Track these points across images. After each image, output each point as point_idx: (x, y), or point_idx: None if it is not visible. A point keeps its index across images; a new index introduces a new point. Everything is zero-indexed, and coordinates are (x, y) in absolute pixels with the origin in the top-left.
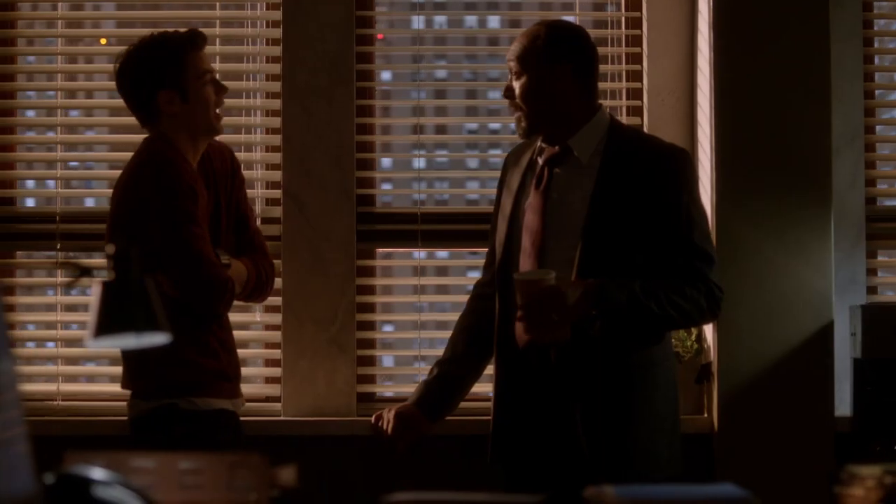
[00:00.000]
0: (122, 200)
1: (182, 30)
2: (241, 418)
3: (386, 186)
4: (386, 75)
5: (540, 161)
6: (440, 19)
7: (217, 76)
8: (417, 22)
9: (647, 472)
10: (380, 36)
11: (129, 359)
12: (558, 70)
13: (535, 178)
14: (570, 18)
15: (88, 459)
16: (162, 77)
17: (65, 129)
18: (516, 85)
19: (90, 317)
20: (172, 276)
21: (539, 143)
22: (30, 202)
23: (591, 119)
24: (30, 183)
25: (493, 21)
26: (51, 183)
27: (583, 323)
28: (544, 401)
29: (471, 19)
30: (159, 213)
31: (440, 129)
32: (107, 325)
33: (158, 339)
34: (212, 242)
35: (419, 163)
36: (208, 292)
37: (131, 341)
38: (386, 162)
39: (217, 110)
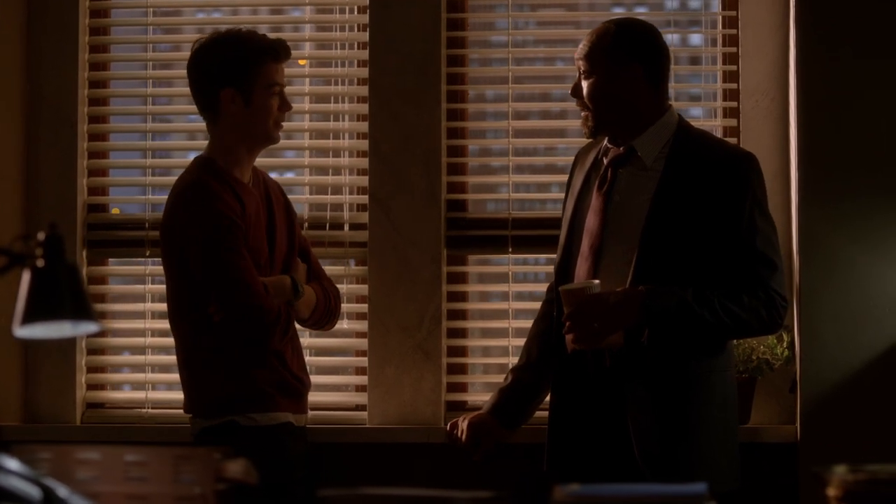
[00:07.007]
0: (167, 224)
1: (269, 35)
2: (329, 426)
3: (477, 192)
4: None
5: (605, 161)
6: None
7: (285, 92)
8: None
9: (703, 480)
10: None
11: (185, 380)
12: (627, 70)
13: (599, 179)
14: (666, 18)
15: (32, 451)
16: (230, 75)
17: (155, 135)
18: (584, 84)
19: (18, 304)
20: (218, 305)
21: (605, 143)
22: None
23: (657, 120)
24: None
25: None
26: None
27: (633, 330)
28: (597, 407)
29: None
30: (199, 242)
31: (534, 133)
32: (35, 311)
33: (89, 328)
34: (281, 270)
35: (510, 167)
36: (252, 319)
37: (63, 329)
38: (477, 166)
39: (277, 121)
